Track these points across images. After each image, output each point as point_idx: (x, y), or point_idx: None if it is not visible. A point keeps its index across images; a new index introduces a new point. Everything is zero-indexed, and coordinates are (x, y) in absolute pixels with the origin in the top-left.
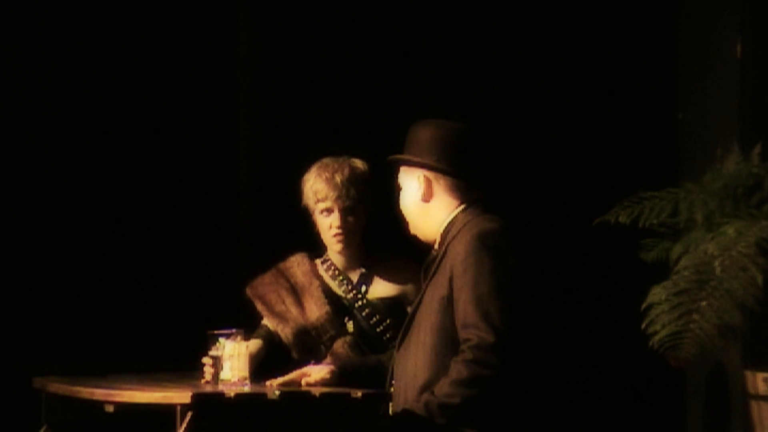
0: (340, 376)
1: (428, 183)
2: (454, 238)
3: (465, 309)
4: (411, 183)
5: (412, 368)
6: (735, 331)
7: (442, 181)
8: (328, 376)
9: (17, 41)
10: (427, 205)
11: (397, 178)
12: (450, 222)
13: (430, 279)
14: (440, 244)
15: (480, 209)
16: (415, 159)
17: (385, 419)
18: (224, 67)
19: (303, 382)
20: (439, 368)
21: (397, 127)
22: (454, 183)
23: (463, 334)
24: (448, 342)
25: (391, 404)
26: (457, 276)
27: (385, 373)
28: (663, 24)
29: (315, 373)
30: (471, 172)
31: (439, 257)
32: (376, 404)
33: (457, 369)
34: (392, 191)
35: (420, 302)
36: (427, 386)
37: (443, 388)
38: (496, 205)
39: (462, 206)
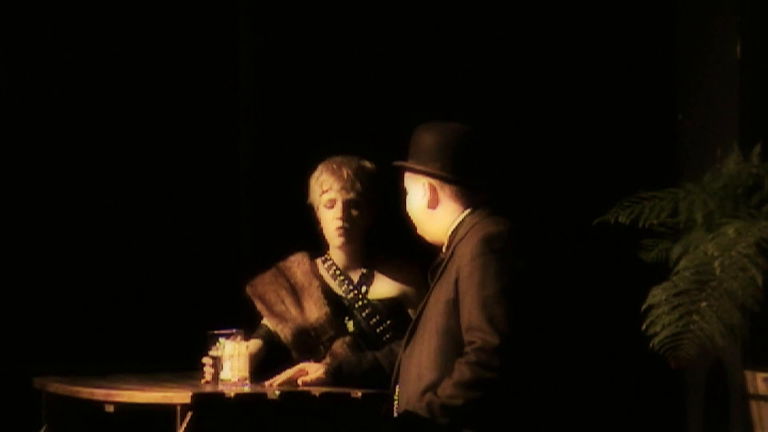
0: (335, 375)
1: (433, 190)
2: (460, 241)
3: (470, 311)
4: (416, 189)
5: (416, 370)
6: (735, 331)
7: (447, 189)
8: (323, 376)
9: (17, 41)
10: (433, 211)
11: (402, 181)
12: (457, 225)
13: (436, 281)
14: (447, 247)
15: (487, 211)
16: (420, 167)
17: (388, 420)
18: (225, 66)
19: (299, 381)
20: (444, 370)
21: (398, 128)
22: (459, 189)
23: (467, 337)
24: (454, 344)
25: (395, 405)
26: (463, 279)
27: (381, 372)
28: (663, 24)
29: (311, 371)
30: (476, 178)
31: (446, 260)
32: (376, 404)
33: (460, 371)
34: (396, 192)
35: (426, 304)
36: (431, 388)
37: (446, 389)
38: (503, 206)
39: (468, 210)
